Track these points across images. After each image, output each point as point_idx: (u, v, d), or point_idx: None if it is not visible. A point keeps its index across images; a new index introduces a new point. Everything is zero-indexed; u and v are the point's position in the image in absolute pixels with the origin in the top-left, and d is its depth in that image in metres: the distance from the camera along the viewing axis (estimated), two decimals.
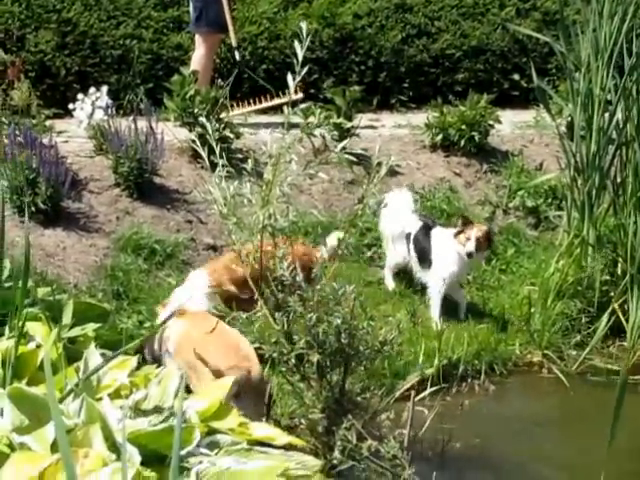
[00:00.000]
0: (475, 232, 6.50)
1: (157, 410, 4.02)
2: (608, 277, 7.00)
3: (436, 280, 6.65)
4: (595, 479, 4.37)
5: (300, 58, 4.73)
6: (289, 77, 4.85)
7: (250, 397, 4.84)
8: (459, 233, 6.55)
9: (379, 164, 5.10)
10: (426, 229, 6.79)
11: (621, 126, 7.09)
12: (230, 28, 8.63)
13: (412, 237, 6.81)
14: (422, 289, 6.97)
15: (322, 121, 5.04)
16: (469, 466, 5.30)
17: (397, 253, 6.91)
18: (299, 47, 4.74)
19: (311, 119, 5.25)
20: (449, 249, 6.58)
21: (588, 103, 7.09)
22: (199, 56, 8.62)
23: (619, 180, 7.22)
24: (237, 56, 8.83)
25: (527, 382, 6.41)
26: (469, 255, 6.50)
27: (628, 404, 3.66)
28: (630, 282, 6.88)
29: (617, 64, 7.09)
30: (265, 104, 8.74)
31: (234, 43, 8.76)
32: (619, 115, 7.08)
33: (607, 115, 7.08)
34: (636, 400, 5.01)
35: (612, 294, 6.90)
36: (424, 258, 6.74)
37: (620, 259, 7.06)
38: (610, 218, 7.24)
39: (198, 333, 5.07)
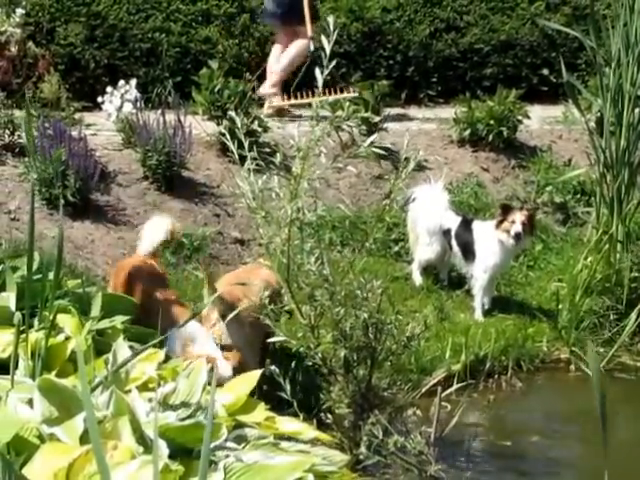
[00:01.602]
0: (519, 216, 6.48)
1: (185, 404, 4.03)
2: (637, 274, 6.95)
3: (481, 273, 6.64)
4: (622, 476, 4.34)
5: (328, 52, 4.71)
6: (317, 72, 4.83)
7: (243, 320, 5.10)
8: (500, 222, 6.52)
9: (407, 159, 5.08)
10: (466, 223, 6.78)
11: None
12: (307, 18, 8.60)
13: (453, 232, 6.78)
14: (449, 284, 6.97)
15: (350, 114, 5.01)
16: (495, 463, 5.29)
17: (432, 249, 6.88)
18: (326, 41, 4.72)
19: (339, 113, 5.24)
20: (492, 241, 6.57)
21: (618, 99, 7.03)
22: (302, 46, 8.57)
23: None
24: (311, 47, 8.74)
25: (554, 379, 6.38)
26: (517, 236, 6.45)
27: None
28: None
29: None
30: (324, 97, 8.52)
31: (309, 33, 8.69)
32: None
33: (637, 111, 7.02)
34: None
35: None
36: (468, 252, 6.72)
37: None
38: (639, 214, 7.18)
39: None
